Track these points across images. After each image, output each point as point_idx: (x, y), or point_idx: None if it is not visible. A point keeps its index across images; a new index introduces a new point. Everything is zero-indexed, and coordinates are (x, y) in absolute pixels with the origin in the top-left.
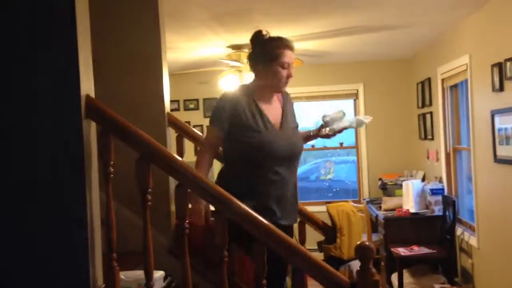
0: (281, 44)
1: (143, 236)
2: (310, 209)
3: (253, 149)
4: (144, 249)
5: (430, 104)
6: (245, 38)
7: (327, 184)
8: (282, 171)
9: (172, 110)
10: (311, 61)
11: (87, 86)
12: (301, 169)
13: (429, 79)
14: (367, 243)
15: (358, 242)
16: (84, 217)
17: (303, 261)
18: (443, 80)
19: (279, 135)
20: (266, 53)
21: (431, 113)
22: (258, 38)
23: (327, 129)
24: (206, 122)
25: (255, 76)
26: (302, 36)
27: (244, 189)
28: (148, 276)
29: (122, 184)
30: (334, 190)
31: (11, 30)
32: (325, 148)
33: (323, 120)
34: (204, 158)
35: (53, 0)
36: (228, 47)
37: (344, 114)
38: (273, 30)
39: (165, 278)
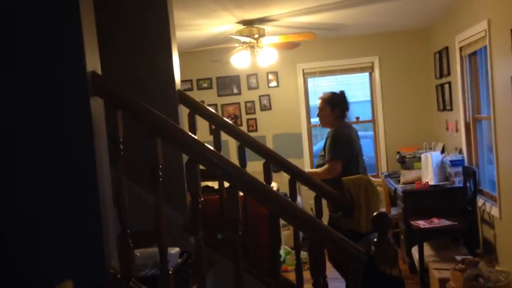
0: None
1: (156, 212)
2: None
3: None
4: (157, 226)
5: (448, 74)
6: (255, 13)
7: None
8: None
9: (185, 90)
10: (324, 34)
11: (93, 62)
12: (317, 146)
13: (446, 48)
14: (383, 212)
15: (375, 213)
16: (96, 195)
17: (319, 233)
18: (461, 48)
19: None
20: None
21: (449, 83)
22: None
23: None
24: (220, 101)
25: None
26: (314, 8)
27: None
28: (162, 252)
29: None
30: None
31: (12, 5)
32: None
33: None
34: None
35: None
36: (239, 22)
37: None
38: (284, 3)
39: (181, 255)
